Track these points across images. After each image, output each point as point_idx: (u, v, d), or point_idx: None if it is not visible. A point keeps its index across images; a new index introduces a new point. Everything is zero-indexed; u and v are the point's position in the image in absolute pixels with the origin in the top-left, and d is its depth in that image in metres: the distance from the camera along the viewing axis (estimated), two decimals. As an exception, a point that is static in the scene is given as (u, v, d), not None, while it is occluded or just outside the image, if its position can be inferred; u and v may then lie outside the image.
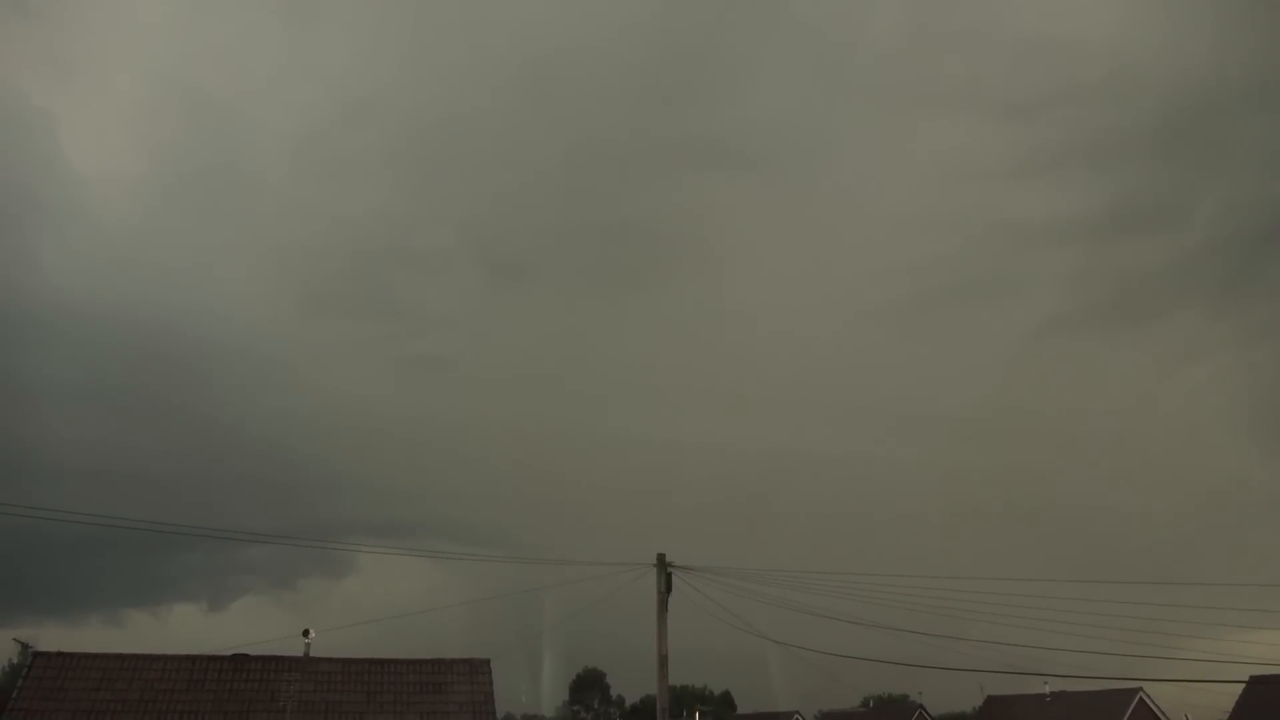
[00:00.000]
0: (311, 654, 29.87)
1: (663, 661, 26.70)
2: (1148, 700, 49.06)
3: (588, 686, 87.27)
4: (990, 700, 57.85)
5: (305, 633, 29.99)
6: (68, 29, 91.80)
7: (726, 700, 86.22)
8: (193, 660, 28.96)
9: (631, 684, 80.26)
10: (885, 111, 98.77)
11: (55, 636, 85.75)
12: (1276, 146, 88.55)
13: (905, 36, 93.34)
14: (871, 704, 78.39)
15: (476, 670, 30.47)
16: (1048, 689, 52.42)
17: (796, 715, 74.06)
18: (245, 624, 73.46)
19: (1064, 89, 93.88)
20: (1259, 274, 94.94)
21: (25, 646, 32.11)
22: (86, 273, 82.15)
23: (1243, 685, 41.83)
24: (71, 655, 28.33)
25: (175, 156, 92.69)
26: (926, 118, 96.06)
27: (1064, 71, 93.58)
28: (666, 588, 26.72)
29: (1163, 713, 49.70)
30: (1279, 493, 72.16)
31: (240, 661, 29.13)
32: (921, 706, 67.19)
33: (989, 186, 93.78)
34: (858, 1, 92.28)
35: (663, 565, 26.94)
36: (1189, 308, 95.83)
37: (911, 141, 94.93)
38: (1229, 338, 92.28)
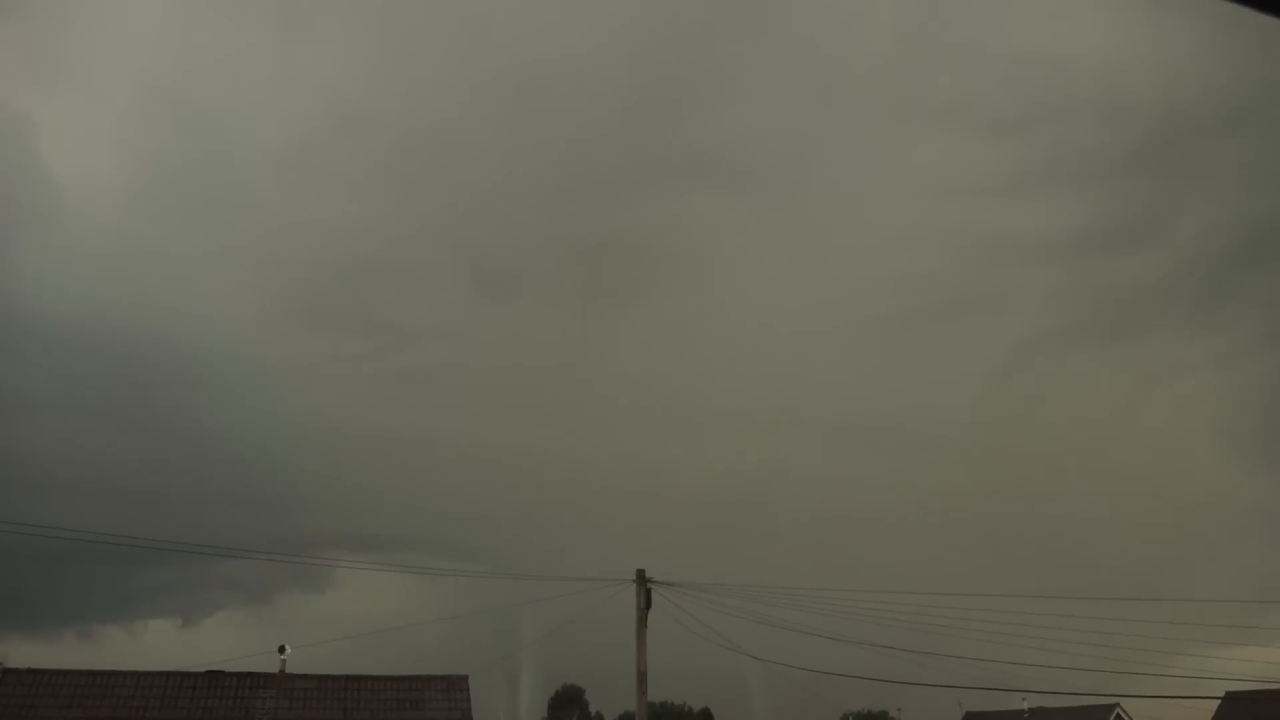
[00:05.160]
0: (287, 670, 29.62)
1: (642, 678, 26.62)
2: (1124, 716, 49.30)
3: (566, 703, 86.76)
4: (968, 716, 57.96)
5: (281, 649, 29.76)
6: (53, 32, 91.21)
7: (706, 717, 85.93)
8: (166, 677, 28.60)
9: (610, 700, 79.80)
10: (876, 126, 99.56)
11: (25, 653, 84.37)
12: (1256, 166, 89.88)
13: (897, 51, 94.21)
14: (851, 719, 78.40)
15: (454, 687, 30.24)
16: (1025, 704, 52.55)
17: (776, 731, 73.88)
18: (220, 640, 72.38)
19: (1051, 106, 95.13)
20: (1239, 292, 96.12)
21: (-5, 663, 31.65)
22: (66, 279, 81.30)
23: (1218, 701, 42.19)
24: (42, 672, 27.94)
25: (161, 163, 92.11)
26: (916, 133, 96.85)
27: (1051, 89, 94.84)
28: (646, 604, 26.67)
29: (1139, 728, 49.97)
30: (1258, 509, 72.70)
31: (214, 678, 28.79)
32: (900, 723, 67.17)
33: (975, 203, 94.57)
34: (850, 16, 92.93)
35: (642, 581, 26.90)
36: (1170, 325, 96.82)
37: (902, 157, 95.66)
38: (1210, 355, 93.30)
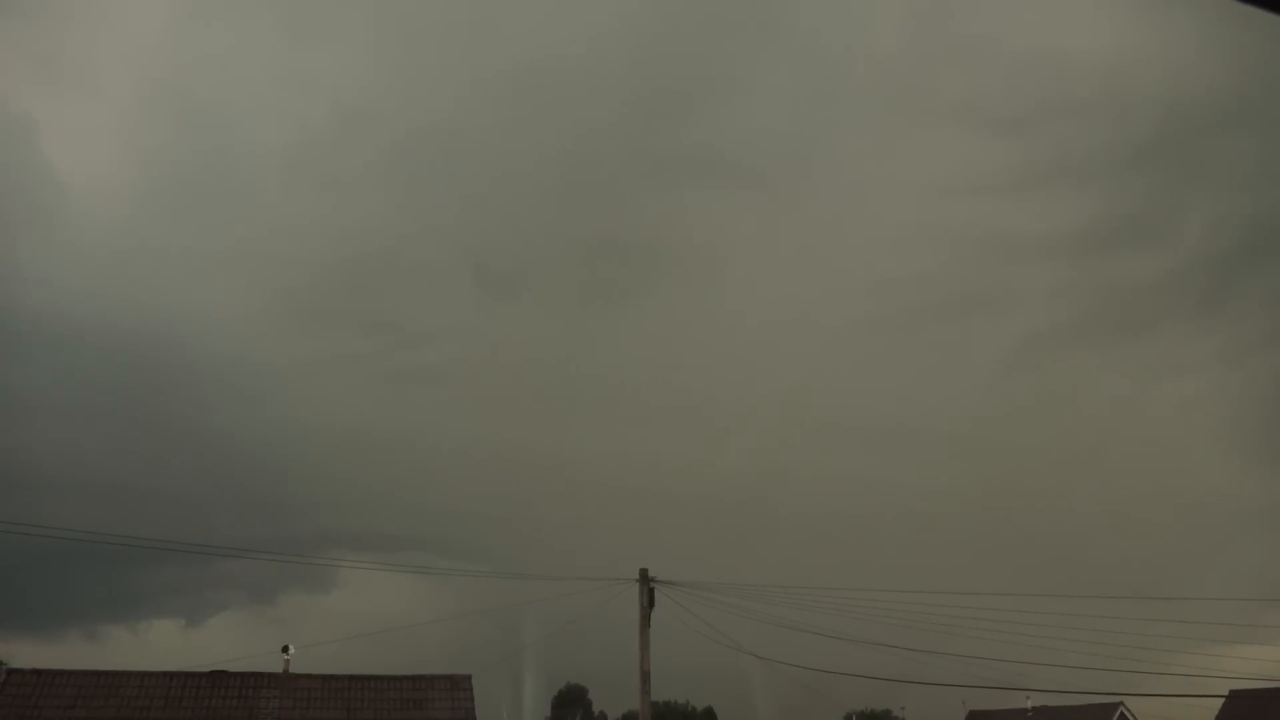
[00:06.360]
0: (291, 670, 29.66)
1: (645, 677, 26.62)
2: (1128, 715, 49.23)
3: (570, 702, 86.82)
4: (972, 715, 57.91)
5: (284, 649, 29.81)
6: (55, 31, 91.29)
7: (709, 716, 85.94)
8: (170, 677, 28.64)
9: (614, 700, 79.83)
10: (882, 123, 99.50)
11: (30, 653, 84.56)
12: (1260, 163, 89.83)
13: (903, 47, 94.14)
14: (854, 719, 78.35)
15: (458, 686, 30.25)
16: (1030, 703, 52.52)
17: (779, 730, 73.78)
18: (224, 640, 72.43)
19: (1055, 104, 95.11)
20: (1244, 289, 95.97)
21: (-1, 663, 31.73)
22: (69, 277, 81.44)
23: (1222, 700, 42.15)
24: (46, 672, 27.98)
25: (164, 162, 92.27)
26: (922, 130, 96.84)
27: (1056, 86, 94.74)
28: (649, 603, 26.68)
29: (1143, 727, 49.89)
30: (1262, 507, 72.62)
31: (219, 678, 28.83)
32: (904, 721, 67.07)
33: (981, 200, 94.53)
34: (856, 13, 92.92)
35: (645, 580, 26.90)
36: (1174, 322, 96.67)
37: (907, 154, 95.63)
38: (1214, 352, 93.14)
